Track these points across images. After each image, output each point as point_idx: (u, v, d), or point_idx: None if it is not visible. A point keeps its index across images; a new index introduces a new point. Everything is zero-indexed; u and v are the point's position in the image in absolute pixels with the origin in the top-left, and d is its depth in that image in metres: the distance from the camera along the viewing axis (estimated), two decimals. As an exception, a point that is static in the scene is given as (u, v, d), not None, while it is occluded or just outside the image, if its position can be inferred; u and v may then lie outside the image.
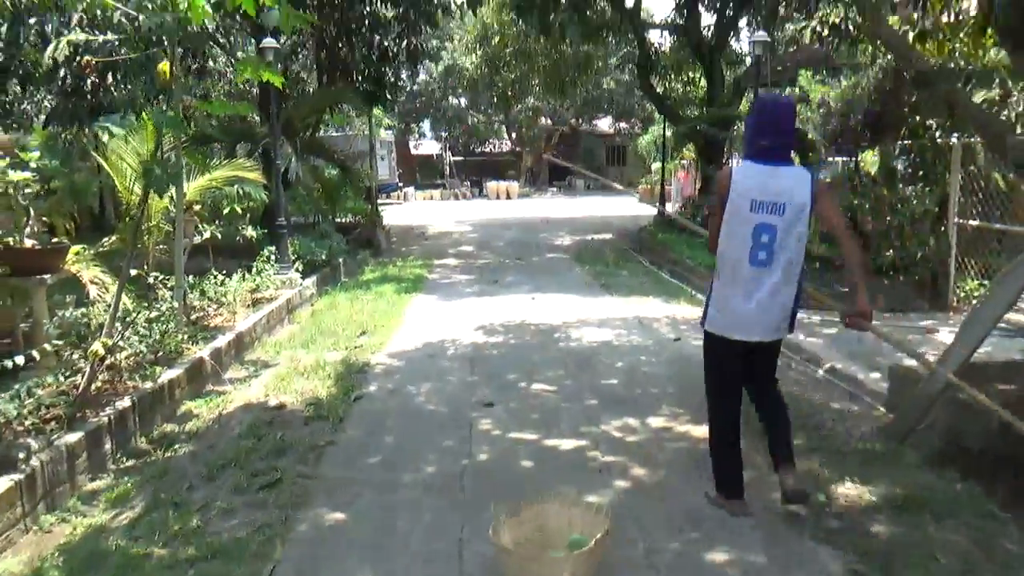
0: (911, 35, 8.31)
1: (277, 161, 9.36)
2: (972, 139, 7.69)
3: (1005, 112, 7.75)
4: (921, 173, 8.42)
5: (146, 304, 6.16)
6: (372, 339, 7.20)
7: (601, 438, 4.51)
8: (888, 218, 8.65)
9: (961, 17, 7.90)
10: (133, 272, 6.45)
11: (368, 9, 13.88)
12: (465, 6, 10.02)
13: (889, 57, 8.23)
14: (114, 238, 6.89)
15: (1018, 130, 7.80)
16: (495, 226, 19.90)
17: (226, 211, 8.75)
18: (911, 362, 6.03)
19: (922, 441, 4.17)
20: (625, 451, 4.30)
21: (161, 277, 6.42)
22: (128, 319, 5.16)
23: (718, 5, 16.80)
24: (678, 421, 4.76)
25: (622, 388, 5.59)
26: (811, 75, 9.65)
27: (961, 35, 8.04)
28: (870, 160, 9.76)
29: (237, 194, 8.92)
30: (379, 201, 24.11)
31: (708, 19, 17.49)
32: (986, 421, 3.89)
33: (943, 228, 8.24)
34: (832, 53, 8.58)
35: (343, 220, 15.63)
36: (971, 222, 7.82)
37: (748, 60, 21.84)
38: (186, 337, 5.89)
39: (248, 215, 9.60)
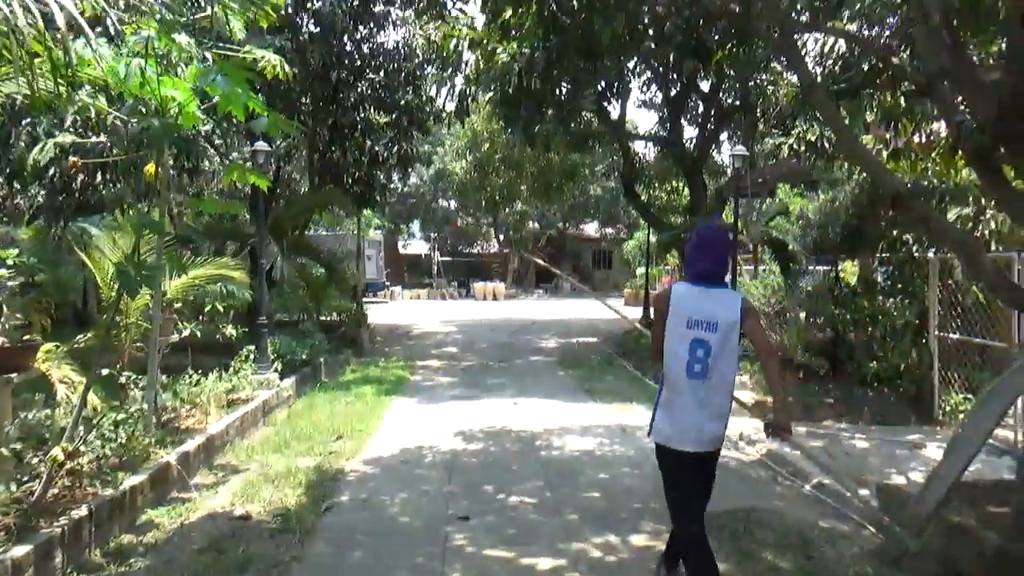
0: (884, 154, 8.65)
1: (262, 260, 9.37)
2: (948, 254, 7.82)
3: (979, 229, 7.94)
4: (900, 286, 8.51)
5: (117, 404, 5.97)
6: (348, 444, 6.99)
7: (580, 557, 4.31)
8: (869, 329, 8.71)
9: (932, 138, 8.23)
10: (105, 371, 6.32)
11: (361, 115, 14.29)
12: (454, 115, 10.35)
13: (865, 174, 8.48)
14: (91, 334, 6.78)
15: (992, 247, 7.99)
16: (480, 327, 19.88)
17: (208, 309, 8.68)
18: (900, 479, 5.92)
19: (916, 566, 4.00)
20: (605, 572, 4.09)
21: (134, 377, 6.26)
22: (94, 421, 4.98)
23: (700, 120, 17.48)
24: (660, 539, 4.56)
25: (603, 502, 5.40)
26: (790, 188, 9.93)
27: (933, 155, 8.35)
28: (850, 270, 9.90)
29: (220, 292, 8.87)
30: (365, 299, 24.19)
31: (690, 132, 18.15)
32: (981, 545, 3.75)
33: (924, 341, 8.27)
34: (810, 168, 8.83)
35: (328, 318, 15.58)
36: (952, 335, 7.85)
37: (729, 171, 22.66)
38: (154, 440, 5.69)
39: (232, 313, 9.56)
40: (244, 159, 12.84)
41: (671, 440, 3.43)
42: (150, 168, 4.58)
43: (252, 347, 8.86)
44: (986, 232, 8.01)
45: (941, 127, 8.28)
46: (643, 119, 41.37)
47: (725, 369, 3.38)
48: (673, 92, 16.64)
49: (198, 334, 8.05)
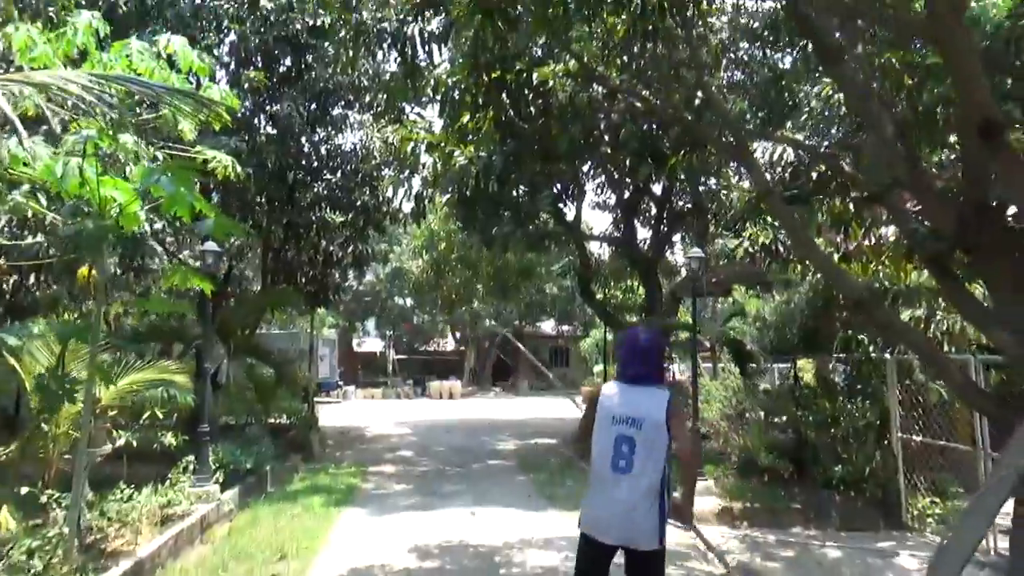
0: (836, 257, 8.82)
1: (206, 364, 8.94)
2: (907, 355, 7.87)
3: (931, 330, 8.04)
4: (859, 386, 8.50)
5: (37, 524, 5.46)
6: (292, 564, 6.48)
7: None
8: (832, 430, 8.62)
9: (881, 241, 8.42)
10: (25, 489, 5.81)
11: (317, 215, 14.20)
12: (412, 216, 10.34)
13: (819, 277, 8.60)
14: (13, 447, 6.28)
15: (945, 347, 8.07)
16: (436, 428, 19.33)
17: (146, 415, 8.19)
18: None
19: None
20: None
21: (56, 495, 5.75)
22: (4, 550, 4.49)
23: (653, 222, 17.86)
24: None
25: (569, 628, 5.00)
26: (745, 290, 10.03)
27: (883, 258, 8.53)
28: (807, 369, 9.89)
29: (161, 397, 8.41)
30: (318, 400, 23.44)
31: (644, 233, 18.49)
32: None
33: (887, 442, 8.20)
34: (764, 270, 8.94)
35: (277, 421, 14.97)
36: (915, 437, 7.79)
37: (683, 271, 23.06)
38: (74, 569, 5.15)
39: (176, 417, 9.05)
40: (195, 258, 12.55)
41: (593, 530, 3.52)
42: (83, 270, 4.32)
43: (191, 457, 8.34)
44: (938, 333, 8.10)
45: (890, 231, 8.52)
46: (598, 220, 42.37)
47: (651, 466, 3.41)
48: (627, 194, 17.04)
49: (134, 443, 7.56)
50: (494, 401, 31.76)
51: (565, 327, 41.73)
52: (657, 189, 17.45)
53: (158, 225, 10.59)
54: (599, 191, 17.91)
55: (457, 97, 6.29)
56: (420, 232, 23.68)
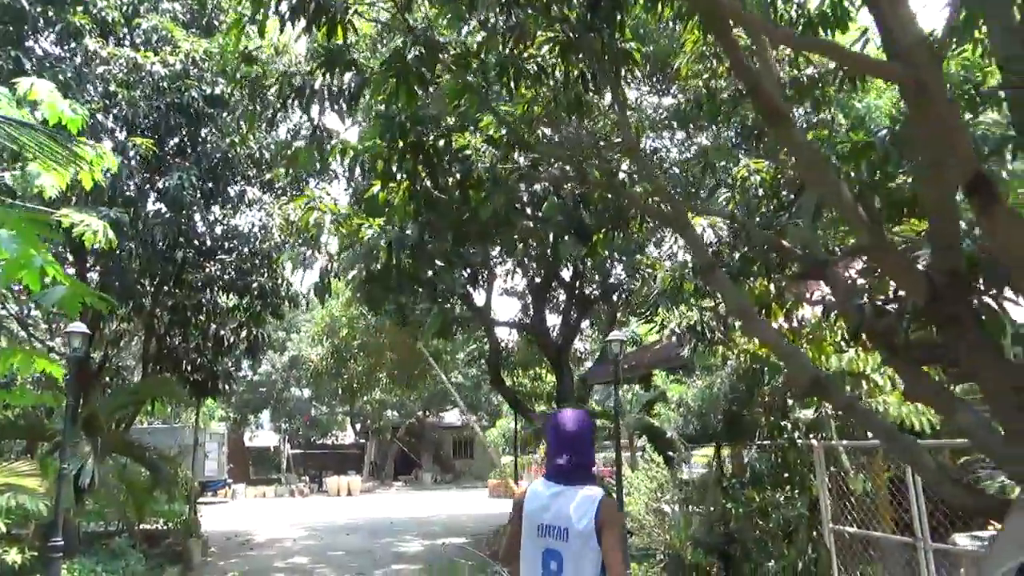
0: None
1: (64, 466, 7.68)
2: (833, 441, 7.62)
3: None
4: (787, 475, 8.16)
5: None
6: None
7: None
8: (759, 523, 8.21)
9: (802, 323, 8.30)
10: None
11: (208, 297, 13.12)
12: (315, 294, 9.60)
13: (743, 360, 8.36)
14: None
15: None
16: (335, 530, 17.82)
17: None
18: None
19: None
20: None
21: None
22: None
23: (562, 308, 17.71)
24: None
25: None
26: (666, 375, 9.72)
27: (803, 340, 8.39)
28: (724, 456, 9.55)
29: (5, 507, 7.15)
30: (203, 500, 21.41)
31: (553, 319, 18.28)
32: None
33: (818, 535, 7.83)
34: (688, 354, 8.65)
35: (154, 527, 13.36)
36: (847, 528, 7.46)
37: (591, 359, 22.90)
38: None
39: (33, 528, 7.72)
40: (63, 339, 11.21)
41: None
42: None
43: (40, 578, 7.03)
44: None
45: (808, 312, 8.43)
46: (505, 307, 42.19)
47: None
48: (537, 280, 16.84)
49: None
50: (397, 496, 30.13)
51: (470, 417, 40.68)
52: (566, 275, 17.42)
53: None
54: (507, 277, 17.69)
55: (368, 164, 5.76)
56: (320, 318, 22.68)
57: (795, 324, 8.44)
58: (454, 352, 25.15)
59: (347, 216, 6.54)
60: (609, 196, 6.21)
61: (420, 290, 7.96)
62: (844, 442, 7.65)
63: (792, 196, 6.01)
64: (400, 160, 5.61)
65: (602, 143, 5.61)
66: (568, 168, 5.36)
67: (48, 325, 15.95)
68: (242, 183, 12.20)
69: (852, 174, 4.86)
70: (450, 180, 6.06)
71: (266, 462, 37.40)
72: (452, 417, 41.90)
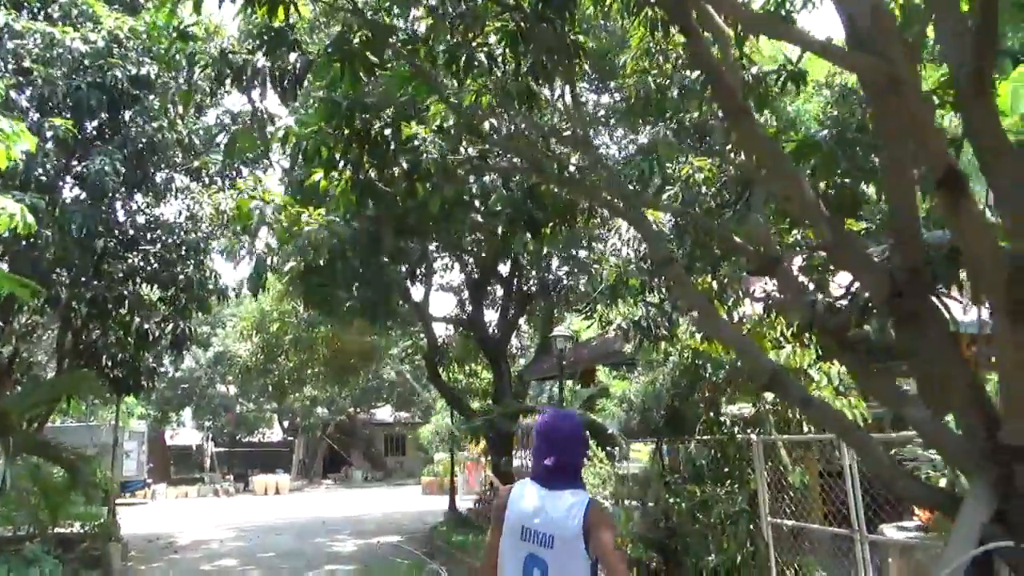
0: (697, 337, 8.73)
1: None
2: (772, 436, 7.76)
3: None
4: (727, 469, 8.27)
5: None
6: None
7: None
8: (698, 517, 8.29)
9: (743, 320, 8.42)
10: None
11: (130, 289, 12.44)
12: (241, 292, 9.19)
13: (685, 355, 8.42)
14: None
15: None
16: (263, 530, 17.27)
17: None
18: None
19: None
20: None
21: None
22: None
23: (500, 304, 17.64)
24: None
25: None
26: (609, 371, 9.73)
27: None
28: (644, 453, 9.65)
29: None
30: (122, 501, 20.46)
31: (490, 315, 18.17)
32: None
33: (756, 528, 7.96)
34: (633, 349, 8.66)
35: (69, 530, 12.64)
36: (786, 521, 7.60)
37: (528, 354, 22.90)
38: None
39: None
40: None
41: None
42: None
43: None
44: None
45: (750, 310, 8.55)
46: (440, 302, 41.87)
47: None
48: (475, 275, 16.70)
49: None
50: (327, 495, 29.55)
51: (403, 414, 40.15)
52: (504, 271, 17.35)
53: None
54: (445, 271, 17.50)
55: (311, 151, 5.50)
56: (249, 312, 21.95)
57: (736, 321, 8.55)
58: (388, 347, 24.72)
59: (284, 206, 6.24)
60: (557, 190, 6.14)
61: (358, 285, 7.67)
62: (784, 437, 7.82)
63: (735, 194, 6.05)
64: (345, 148, 5.38)
65: (552, 137, 5.49)
66: (520, 160, 5.23)
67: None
68: (168, 171, 11.54)
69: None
70: (395, 171, 5.85)
71: (188, 461, 36.11)
72: (384, 414, 41.34)
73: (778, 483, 7.88)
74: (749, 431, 8.35)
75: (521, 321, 19.43)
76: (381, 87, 5.59)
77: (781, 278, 4.54)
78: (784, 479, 7.75)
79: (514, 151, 5.34)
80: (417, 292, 15.67)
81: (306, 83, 5.85)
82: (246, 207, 6.42)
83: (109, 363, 13.28)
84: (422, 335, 20.46)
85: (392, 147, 5.50)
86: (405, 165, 5.61)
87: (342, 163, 5.64)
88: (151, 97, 10.28)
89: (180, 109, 8.98)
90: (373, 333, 17.98)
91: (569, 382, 15.46)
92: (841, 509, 7.66)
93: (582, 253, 11.06)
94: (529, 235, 5.98)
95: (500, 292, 17.98)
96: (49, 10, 10.76)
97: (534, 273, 17.26)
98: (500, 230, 6.08)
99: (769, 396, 8.09)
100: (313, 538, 15.73)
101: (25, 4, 10.27)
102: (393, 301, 9.22)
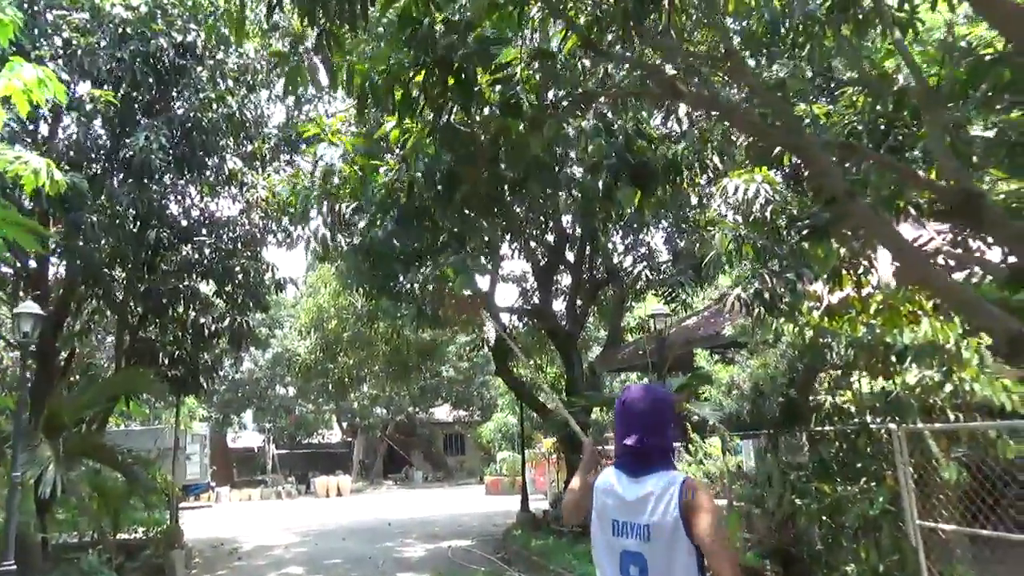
0: (816, 313, 7.57)
1: (15, 472, 6.43)
2: (920, 424, 6.59)
3: (949, 397, 6.80)
4: (860, 465, 7.11)
5: None
6: None
7: None
8: (827, 520, 7.16)
9: (877, 291, 7.23)
10: None
11: (185, 284, 11.82)
12: (312, 256, 8.33)
13: (803, 333, 7.27)
14: None
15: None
16: (328, 534, 16.61)
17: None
18: None
19: None
20: None
21: None
22: None
23: (567, 293, 16.70)
24: None
25: None
26: (709, 355, 8.65)
27: (871, 311, 7.32)
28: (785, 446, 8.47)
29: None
30: (185, 505, 20.13)
31: (557, 305, 17.23)
32: None
33: (899, 533, 6.80)
34: (737, 329, 7.58)
35: (132, 537, 12.16)
36: (944, 526, 6.42)
37: (596, 346, 21.86)
38: None
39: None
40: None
41: None
42: None
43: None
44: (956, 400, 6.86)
45: (882, 279, 7.34)
46: (503, 295, 41.01)
47: None
48: (543, 262, 15.76)
49: None
50: (389, 496, 28.96)
51: (461, 412, 39.38)
52: (570, 257, 16.35)
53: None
54: (511, 257, 16.59)
55: (380, 90, 4.59)
56: (307, 309, 21.41)
57: (863, 293, 7.38)
58: (446, 343, 23.90)
59: (353, 158, 5.30)
60: (654, 145, 5.11)
61: (438, 246, 6.65)
62: (936, 426, 6.63)
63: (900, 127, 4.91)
64: (426, 83, 4.44)
65: (687, 58, 4.46)
66: (650, 82, 4.21)
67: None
68: (219, 154, 10.78)
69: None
70: (484, 111, 4.92)
71: (250, 464, 36.05)
72: (442, 413, 40.68)
73: (923, 480, 6.71)
74: (887, 419, 7.18)
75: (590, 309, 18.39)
76: (464, 7, 4.63)
77: (986, 219, 3.44)
78: (934, 475, 6.57)
79: (646, 69, 4.32)
80: (483, 281, 14.75)
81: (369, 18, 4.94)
82: (313, 149, 5.49)
83: (167, 362, 12.73)
84: (484, 328, 19.61)
85: (480, 81, 4.54)
86: (496, 105, 4.66)
87: (425, 101, 4.69)
88: (199, 69, 9.54)
89: (232, 39, 8.04)
90: (433, 327, 17.14)
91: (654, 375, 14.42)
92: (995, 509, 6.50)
93: (689, 214, 9.86)
94: (639, 191, 4.97)
95: (567, 281, 17.02)
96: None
97: (599, 261, 16.24)
98: (601, 184, 5.07)
99: (911, 379, 6.93)
100: (380, 542, 14.96)
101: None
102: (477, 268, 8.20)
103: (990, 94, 4.40)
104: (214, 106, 9.48)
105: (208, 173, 10.67)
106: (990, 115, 4.80)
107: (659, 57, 4.61)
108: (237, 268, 12.09)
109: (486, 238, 8.44)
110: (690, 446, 8.55)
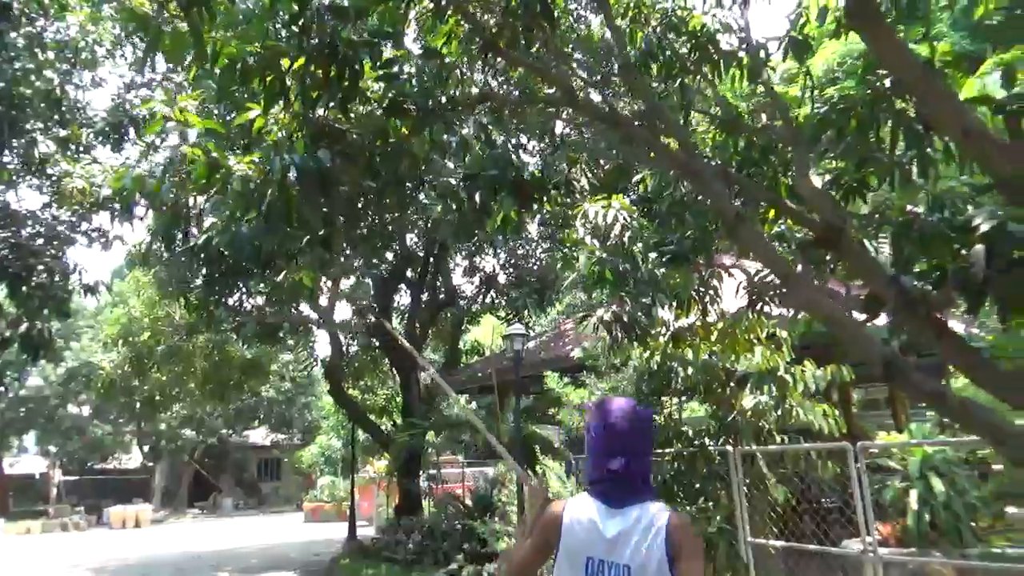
0: (661, 338, 7.87)
1: None
2: (748, 446, 7.04)
3: (777, 418, 7.28)
4: (698, 486, 7.43)
5: None
6: None
7: None
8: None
9: (721, 320, 7.63)
10: None
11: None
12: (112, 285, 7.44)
13: (651, 358, 7.53)
14: None
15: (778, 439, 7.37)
16: (127, 570, 14.93)
17: None
18: None
19: None
20: None
21: None
22: None
23: (407, 314, 16.46)
24: None
25: None
26: (559, 378, 8.70)
27: (714, 338, 7.72)
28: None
29: None
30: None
31: (397, 324, 16.88)
32: None
33: (734, 550, 7.16)
34: (594, 352, 7.70)
35: None
36: (774, 542, 6.84)
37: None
38: None
39: None
40: None
41: None
42: None
43: None
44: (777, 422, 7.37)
45: (732, 307, 7.77)
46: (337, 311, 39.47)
47: None
48: (384, 277, 15.38)
49: None
50: (195, 526, 26.72)
51: (279, 435, 37.29)
52: (410, 274, 16.11)
53: None
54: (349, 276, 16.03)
55: (252, 71, 4.17)
56: (114, 319, 19.34)
57: (707, 319, 7.77)
58: (271, 360, 22.56)
59: (206, 144, 4.73)
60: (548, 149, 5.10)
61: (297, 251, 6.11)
62: (768, 447, 7.08)
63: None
64: (305, 71, 4.08)
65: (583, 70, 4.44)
66: (553, 89, 4.12)
67: None
68: (28, 135, 9.42)
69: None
70: (362, 108, 4.63)
71: (31, 492, 31.93)
72: (258, 436, 38.36)
73: (754, 499, 7.16)
74: (720, 441, 7.57)
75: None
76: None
77: (847, 250, 3.69)
78: (764, 494, 7.02)
79: (544, 74, 4.24)
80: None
81: None
82: (155, 127, 4.89)
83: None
84: (312, 345, 18.81)
85: (363, 73, 4.26)
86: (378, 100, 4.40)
87: (292, 90, 4.32)
88: (13, 35, 8.28)
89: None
90: (262, 343, 16.11)
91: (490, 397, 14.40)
92: (821, 525, 7.05)
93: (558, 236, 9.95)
94: (516, 204, 4.88)
95: (406, 300, 16.78)
96: None
97: (439, 283, 16.16)
98: (478, 196, 4.93)
99: (748, 404, 7.36)
100: (190, 578, 13.68)
101: None
102: (308, 289, 7.71)
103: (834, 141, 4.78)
104: (31, 78, 8.23)
105: (11, 157, 9.28)
106: (823, 162, 5.25)
107: (557, 65, 4.57)
108: (40, 267, 10.60)
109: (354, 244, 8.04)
110: (537, 467, 8.55)
